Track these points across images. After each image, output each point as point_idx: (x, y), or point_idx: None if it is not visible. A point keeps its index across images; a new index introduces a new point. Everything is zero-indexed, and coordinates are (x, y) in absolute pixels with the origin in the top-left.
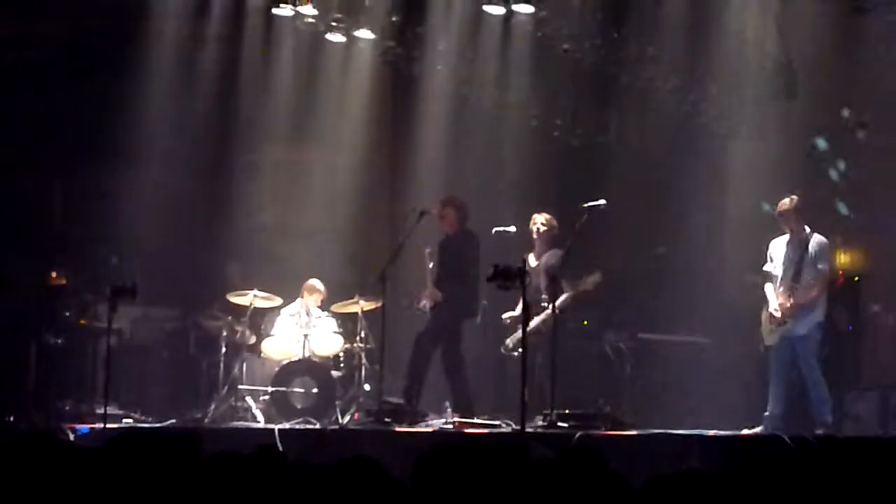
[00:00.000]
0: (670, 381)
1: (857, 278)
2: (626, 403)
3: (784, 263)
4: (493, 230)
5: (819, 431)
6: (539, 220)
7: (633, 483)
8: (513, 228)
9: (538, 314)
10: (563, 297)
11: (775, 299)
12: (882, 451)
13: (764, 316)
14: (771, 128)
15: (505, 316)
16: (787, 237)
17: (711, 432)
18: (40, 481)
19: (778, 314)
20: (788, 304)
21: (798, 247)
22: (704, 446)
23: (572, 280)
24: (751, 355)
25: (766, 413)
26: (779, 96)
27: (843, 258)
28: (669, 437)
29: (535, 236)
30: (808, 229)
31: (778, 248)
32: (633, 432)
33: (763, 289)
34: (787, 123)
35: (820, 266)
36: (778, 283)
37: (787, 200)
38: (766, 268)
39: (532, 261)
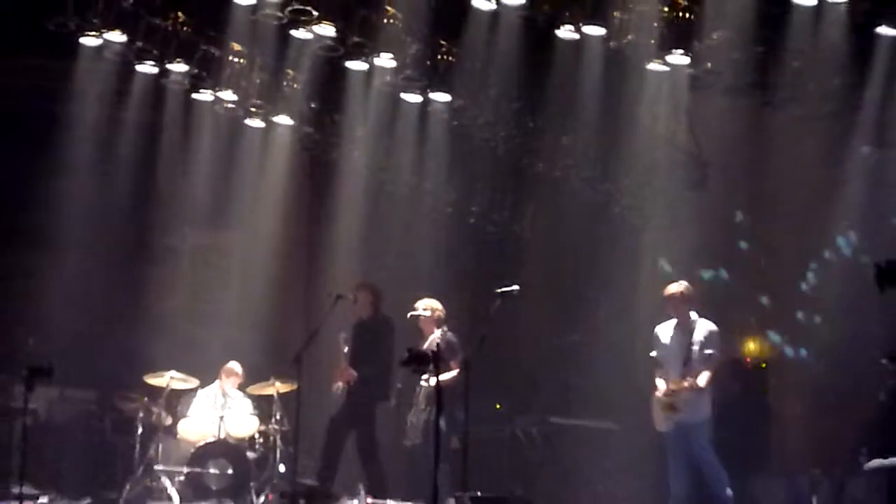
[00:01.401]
0: (581, 464)
1: (763, 365)
2: (538, 486)
3: (672, 349)
4: (409, 314)
5: None
6: (423, 306)
7: None
8: (427, 313)
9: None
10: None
11: (664, 385)
12: None
13: (655, 402)
14: (682, 217)
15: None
16: (674, 322)
17: None
18: None
19: (667, 400)
20: (678, 390)
21: (685, 333)
22: None
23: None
24: (658, 441)
25: (673, 493)
26: (690, 187)
27: (751, 346)
28: None
29: (421, 322)
30: (694, 315)
31: (665, 334)
32: None
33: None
34: (699, 213)
35: (707, 351)
36: (667, 369)
37: (674, 286)
38: (653, 354)
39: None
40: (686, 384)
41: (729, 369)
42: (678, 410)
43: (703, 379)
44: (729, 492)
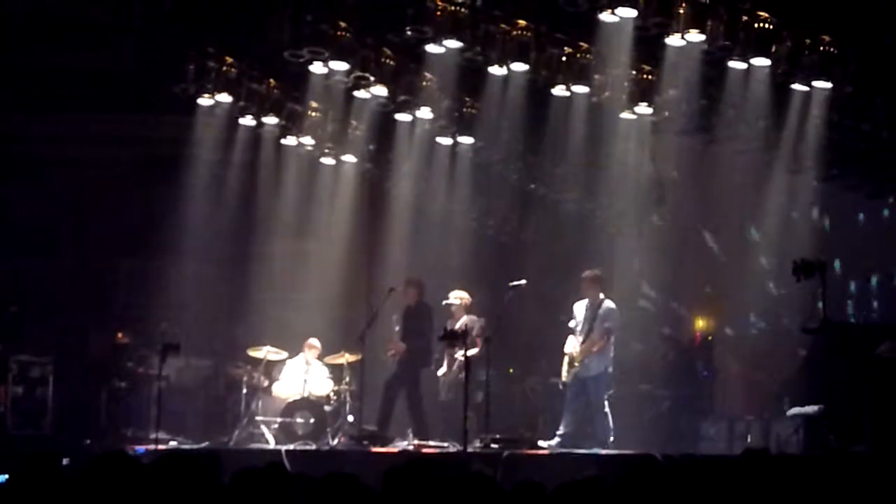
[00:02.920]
0: None
1: (710, 337)
2: (541, 430)
3: (582, 321)
4: (443, 302)
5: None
6: (455, 296)
7: (547, 487)
8: (457, 301)
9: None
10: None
11: (572, 347)
12: (727, 467)
13: (564, 360)
14: (646, 228)
15: (440, 373)
16: (586, 301)
17: (603, 451)
18: (114, 487)
19: (570, 356)
20: (579, 352)
21: (592, 309)
22: (598, 461)
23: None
24: (631, 394)
25: (560, 431)
26: (652, 205)
27: (700, 323)
28: (572, 455)
29: (453, 308)
30: (601, 296)
31: (579, 309)
32: (546, 452)
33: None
34: (659, 225)
35: (606, 325)
36: (577, 336)
37: (588, 272)
38: (570, 324)
39: (454, 326)
40: (585, 346)
41: (677, 343)
42: (577, 366)
43: (597, 345)
44: (611, 438)
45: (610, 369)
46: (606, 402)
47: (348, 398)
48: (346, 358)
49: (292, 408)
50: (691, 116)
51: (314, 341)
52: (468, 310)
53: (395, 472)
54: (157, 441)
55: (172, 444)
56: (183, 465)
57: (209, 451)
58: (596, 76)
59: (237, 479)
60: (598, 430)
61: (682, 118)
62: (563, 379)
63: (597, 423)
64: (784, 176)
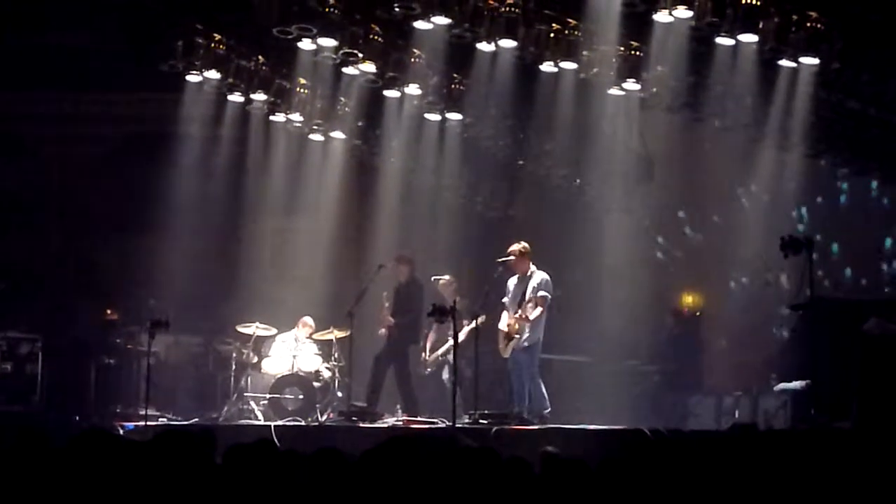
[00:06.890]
0: (563, 389)
1: (698, 314)
2: (529, 406)
3: (514, 294)
4: (432, 278)
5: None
6: (444, 279)
7: (535, 465)
8: (446, 277)
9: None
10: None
11: (505, 321)
12: (715, 441)
13: (499, 336)
14: (634, 204)
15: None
16: (517, 276)
17: (592, 426)
18: (99, 464)
19: (505, 330)
20: (514, 323)
21: (523, 281)
22: (586, 437)
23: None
24: (619, 370)
25: (515, 409)
26: (640, 181)
27: (688, 300)
28: (561, 430)
29: (441, 288)
30: (533, 267)
31: (511, 283)
32: (535, 427)
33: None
34: (646, 201)
35: (540, 293)
36: (509, 311)
37: (514, 245)
38: (504, 300)
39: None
40: (519, 316)
41: (672, 317)
42: (513, 339)
43: (533, 313)
44: (547, 411)
45: (541, 339)
46: (538, 372)
47: (337, 374)
48: (334, 334)
49: (281, 384)
50: (679, 93)
51: (308, 320)
52: (456, 291)
53: (384, 447)
54: (146, 417)
55: (162, 420)
56: (179, 442)
57: (204, 427)
58: (584, 52)
59: (229, 454)
60: (534, 401)
61: (670, 94)
62: (504, 355)
63: (533, 394)
64: (771, 152)
